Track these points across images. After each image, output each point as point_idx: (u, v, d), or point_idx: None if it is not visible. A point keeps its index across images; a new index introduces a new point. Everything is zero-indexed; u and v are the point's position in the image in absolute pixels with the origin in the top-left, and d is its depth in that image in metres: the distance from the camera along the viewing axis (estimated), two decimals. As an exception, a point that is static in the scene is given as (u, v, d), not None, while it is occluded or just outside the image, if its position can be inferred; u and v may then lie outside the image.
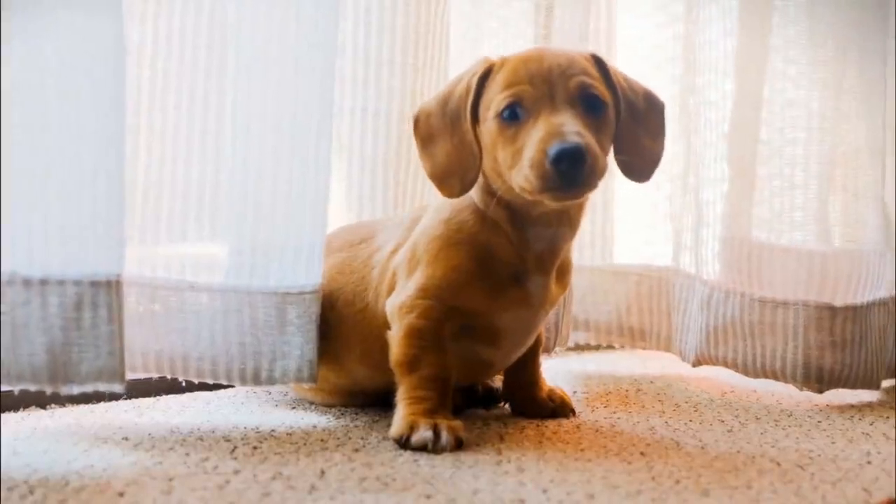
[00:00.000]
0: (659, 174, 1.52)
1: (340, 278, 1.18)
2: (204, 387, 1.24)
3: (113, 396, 1.22)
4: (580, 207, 1.11)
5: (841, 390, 1.39)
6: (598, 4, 1.52)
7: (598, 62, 1.08)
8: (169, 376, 1.14)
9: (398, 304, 1.09)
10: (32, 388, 0.96)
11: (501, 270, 1.09)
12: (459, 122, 1.07)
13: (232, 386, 1.25)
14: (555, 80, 1.02)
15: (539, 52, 1.06)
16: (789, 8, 1.40)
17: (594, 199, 1.56)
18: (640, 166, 1.11)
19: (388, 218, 1.27)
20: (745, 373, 1.40)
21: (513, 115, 1.03)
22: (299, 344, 1.13)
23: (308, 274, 1.13)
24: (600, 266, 1.54)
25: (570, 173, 0.97)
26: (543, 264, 1.10)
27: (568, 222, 1.10)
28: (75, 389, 0.97)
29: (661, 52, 1.57)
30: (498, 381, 1.28)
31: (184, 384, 1.26)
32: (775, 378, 1.38)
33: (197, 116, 1.13)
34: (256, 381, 1.13)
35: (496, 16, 1.46)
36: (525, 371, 1.21)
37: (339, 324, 1.16)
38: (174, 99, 1.13)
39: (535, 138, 0.99)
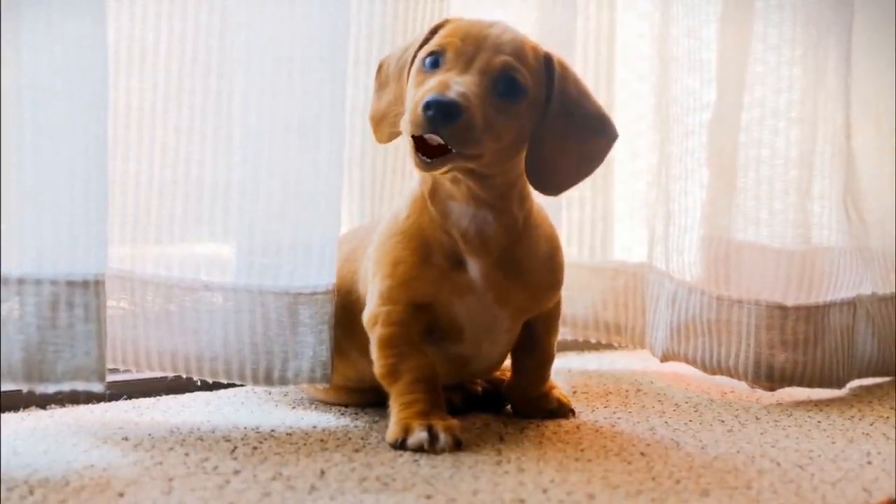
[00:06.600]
0: (640, 167, 1.54)
1: (344, 267, 1.18)
2: (204, 387, 1.23)
3: (113, 396, 1.22)
4: (496, 191, 1.06)
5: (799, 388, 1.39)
6: (588, 5, 1.51)
7: (547, 61, 1.07)
8: (184, 375, 1.14)
9: (367, 316, 1.10)
10: (9, 386, 0.96)
11: (438, 253, 1.08)
12: (404, 69, 1.08)
13: (235, 385, 1.25)
14: (484, 48, 1.02)
15: (493, 22, 1.06)
16: (771, 11, 1.40)
17: (582, 196, 1.56)
18: (549, 176, 1.07)
19: None
20: (704, 369, 1.41)
21: (433, 64, 1.03)
22: (311, 344, 1.13)
23: (320, 274, 1.13)
24: (577, 261, 1.54)
25: (435, 126, 0.96)
26: (475, 247, 1.07)
27: (486, 205, 1.06)
28: (51, 388, 0.97)
29: (656, 53, 1.57)
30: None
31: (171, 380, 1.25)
32: (730, 375, 1.39)
33: (209, 116, 1.14)
34: (269, 381, 1.14)
35: (494, 16, 1.45)
36: (526, 376, 1.20)
37: (344, 313, 1.16)
38: (188, 99, 1.13)
39: (426, 87, 0.99)
